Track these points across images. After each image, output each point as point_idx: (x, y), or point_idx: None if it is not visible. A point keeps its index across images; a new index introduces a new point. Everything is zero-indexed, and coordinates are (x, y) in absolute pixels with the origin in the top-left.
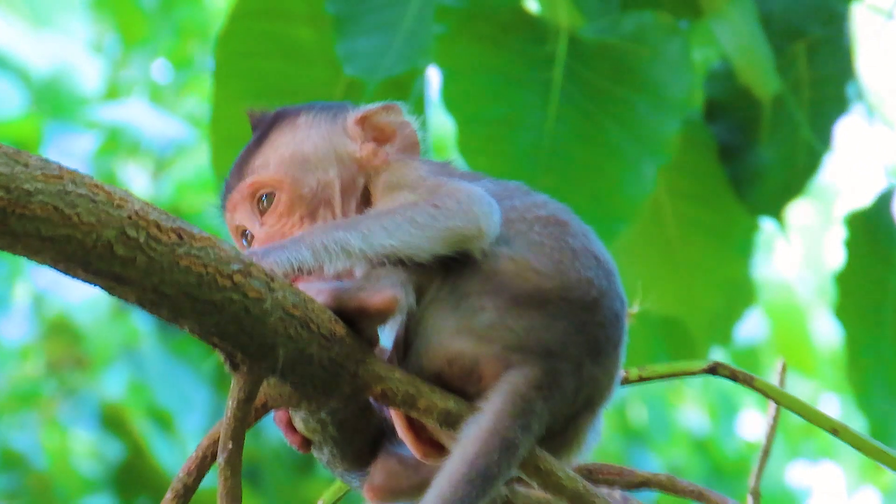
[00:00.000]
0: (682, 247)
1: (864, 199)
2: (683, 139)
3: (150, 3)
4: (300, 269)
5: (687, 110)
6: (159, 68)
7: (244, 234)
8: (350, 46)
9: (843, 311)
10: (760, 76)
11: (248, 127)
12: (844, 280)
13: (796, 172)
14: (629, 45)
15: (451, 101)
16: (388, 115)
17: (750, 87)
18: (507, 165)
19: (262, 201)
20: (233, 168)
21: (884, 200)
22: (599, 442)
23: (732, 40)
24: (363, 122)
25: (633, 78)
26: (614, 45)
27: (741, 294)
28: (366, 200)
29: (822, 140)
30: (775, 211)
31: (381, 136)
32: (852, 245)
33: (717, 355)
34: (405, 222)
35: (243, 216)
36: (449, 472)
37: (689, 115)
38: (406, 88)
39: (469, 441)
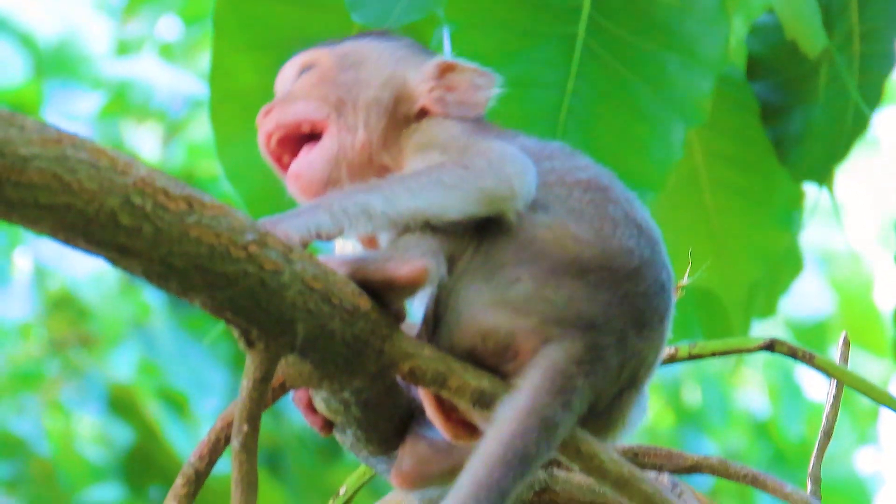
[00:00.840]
0: (719, 213)
1: None
2: (722, 98)
3: None
4: (318, 235)
5: (721, 69)
6: (170, 24)
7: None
8: None
9: None
10: (807, 30)
11: (249, 77)
12: None
13: (843, 134)
14: None
15: (462, 57)
16: (476, 77)
17: (796, 41)
18: (523, 128)
19: (301, 73)
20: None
21: None
22: (648, 424)
23: None
24: (447, 69)
25: (663, 33)
26: None
27: (786, 265)
28: (396, 129)
29: (869, 98)
30: (820, 176)
31: (452, 89)
32: None
33: (776, 331)
34: (431, 183)
35: (283, 82)
36: (483, 454)
37: (730, 72)
38: (425, 39)
39: (505, 421)
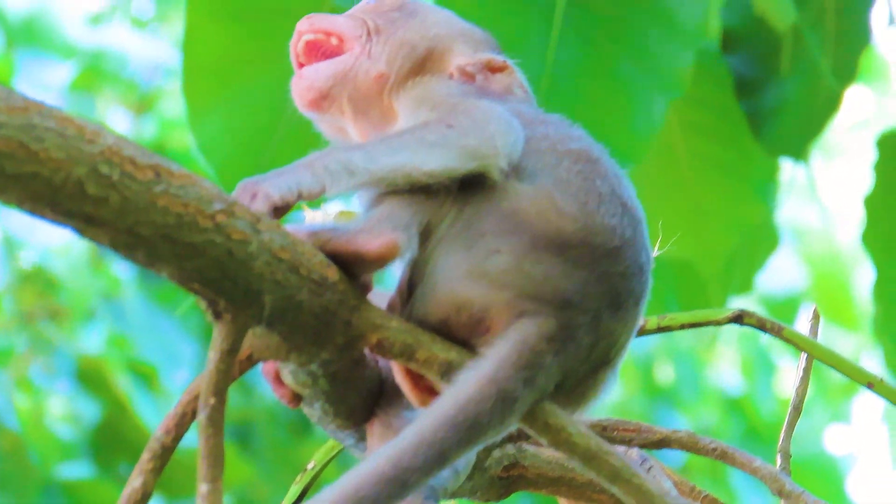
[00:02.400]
0: (696, 186)
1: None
2: (698, 71)
3: None
4: (300, 193)
5: (702, 40)
6: None
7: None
8: None
9: (871, 239)
10: (776, 3)
11: (222, 48)
12: (873, 205)
13: (818, 109)
14: None
15: None
16: (517, 86)
17: (766, 15)
18: None
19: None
20: None
21: None
22: (619, 400)
23: None
24: (499, 66)
25: (643, 3)
26: None
27: (762, 239)
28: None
29: (843, 75)
30: (795, 151)
31: (487, 77)
32: (882, 168)
33: (750, 307)
34: (414, 141)
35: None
36: (434, 412)
37: (705, 45)
38: None
39: (463, 384)
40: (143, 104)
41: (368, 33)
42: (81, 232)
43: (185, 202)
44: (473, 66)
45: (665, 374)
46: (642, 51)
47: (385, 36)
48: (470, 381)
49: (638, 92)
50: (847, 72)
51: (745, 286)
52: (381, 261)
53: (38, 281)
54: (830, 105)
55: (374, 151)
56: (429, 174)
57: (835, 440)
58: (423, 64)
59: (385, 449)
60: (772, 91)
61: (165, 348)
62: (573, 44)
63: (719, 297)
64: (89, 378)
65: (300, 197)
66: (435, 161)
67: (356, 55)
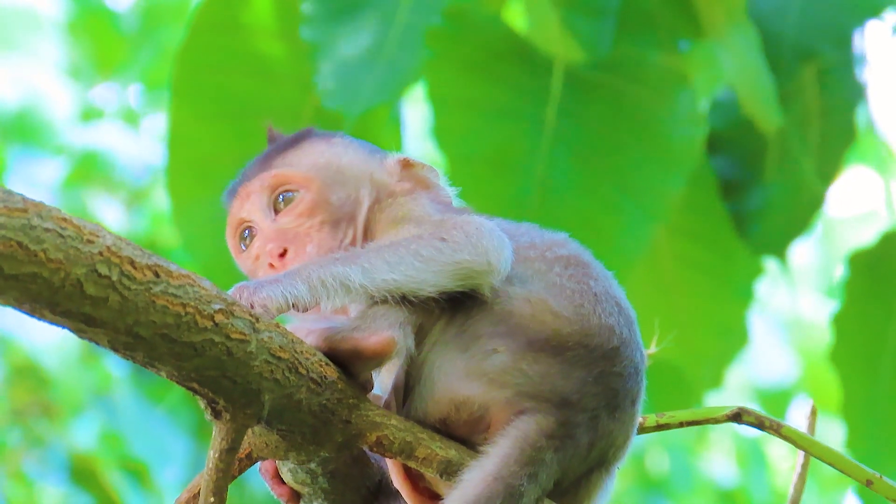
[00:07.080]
0: (679, 286)
1: (868, 238)
2: None
3: (130, 23)
4: (295, 305)
5: (694, 165)
6: (136, 93)
7: (245, 229)
8: (328, 77)
9: (839, 357)
10: (763, 108)
11: (206, 147)
12: (842, 323)
13: (801, 209)
14: (631, 86)
15: (441, 134)
16: (429, 173)
17: (753, 119)
18: (494, 209)
19: (280, 200)
20: (253, 163)
21: (890, 239)
22: (614, 493)
23: (734, 68)
24: (406, 165)
25: (634, 124)
26: (615, 84)
27: (735, 336)
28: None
29: (828, 173)
30: (778, 250)
31: (418, 185)
32: (852, 286)
33: (741, 396)
34: (409, 256)
35: (254, 208)
36: None
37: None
38: (382, 112)
39: (470, 484)
40: (133, 199)
41: (338, 229)
42: (80, 333)
43: (184, 302)
44: (402, 178)
45: (658, 464)
46: (631, 173)
47: (347, 218)
48: (477, 479)
49: (624, 215)
50: (831, 171)
51: (715, 382)
52: (380, 357)
53: (31, 377)
54: (814, 204)
55: (370, 267)
56: (423, 294)
57: None
58: (375, 201)
59: None
60: (756, 192)
61: (157, 445)
62: (562, 159)
63: (697, 394)
64: (81, 474)
65: (294, 308)
66: (430, 281)
67: (339, 247)
